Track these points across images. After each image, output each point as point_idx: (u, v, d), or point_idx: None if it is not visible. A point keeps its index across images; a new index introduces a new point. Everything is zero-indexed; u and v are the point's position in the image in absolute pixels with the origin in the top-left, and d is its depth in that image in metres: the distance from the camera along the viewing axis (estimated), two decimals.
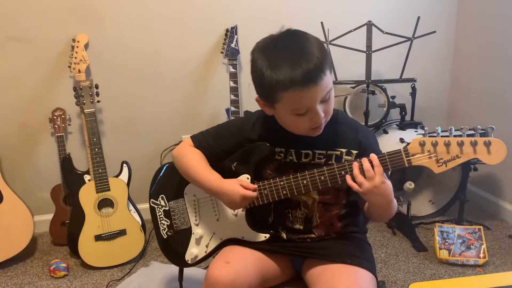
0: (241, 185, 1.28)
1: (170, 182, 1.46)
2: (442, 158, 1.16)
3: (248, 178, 1.32)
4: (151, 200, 1.49)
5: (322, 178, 1.23)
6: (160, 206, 1.47)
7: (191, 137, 1.43)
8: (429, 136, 1.19)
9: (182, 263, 1.46)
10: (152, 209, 1.48)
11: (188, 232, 1.44)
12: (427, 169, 2.94)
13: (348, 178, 1.20)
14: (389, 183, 1.20)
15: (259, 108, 1.32)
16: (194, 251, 1.42)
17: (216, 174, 1.34)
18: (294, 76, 1.11)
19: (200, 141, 1.41)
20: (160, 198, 1.47)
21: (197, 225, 1.43)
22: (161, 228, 1.47)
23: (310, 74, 1.11)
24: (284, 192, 1.28)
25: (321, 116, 1.19)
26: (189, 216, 1.44)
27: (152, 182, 1.50)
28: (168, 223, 1.46)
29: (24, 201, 2.31)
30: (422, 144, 1.16)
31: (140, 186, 2.56)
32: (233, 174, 1.33)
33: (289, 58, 1.13)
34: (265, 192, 1.30)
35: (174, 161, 1.43)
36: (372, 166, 1.17)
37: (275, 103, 1.20)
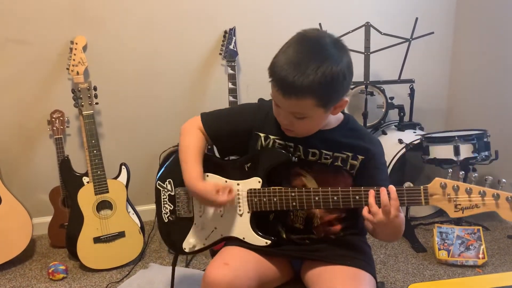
0: (217, 189, 1.28)
1: (180, 168, 1.43)
2: (460, 204, 1.14)
3: (259, 182, 1.32)
4: (158, 182, 1.47)
5: (335, 198, 1.23)
6: (166, 190, 1.46)
7: (202, 115, 1.43)
8: (450, 180, 1.16)
9: (178, 250, 1.45)
10: (157, 191, 1.47)
11: (190, 221, 1.42)
12: (426, 170, 2.93)
13: (364, 210, 1.18)
14: (402, 217, 1.20)
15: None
16: (192, 241, 1.41)
17: (198, 170, 1.33)
18: (280, 75, 1.12)
19: (209, 120, 1.41)
20: (167, 182, 1.45)
21: (200, 216, 1.41)
22: (163, 212, 1.46)
23: (288, 86, 1.12)
24: (294, 203, 1.27)
25: (284, 123, 1.23)
26: (193, 206, 1.42)
27: (161, 164, 1.49)
28: (171, 208, 1.45)
29: (22, 203, 2.30)
30: (443, 186, 1.14)
31: (139, 188, 2.56)
32: (246, 175, 1.33)
33: (296, 60, 1.11)
34: (275, 199, 1.29)
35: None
36: (389, 198, 1.15)
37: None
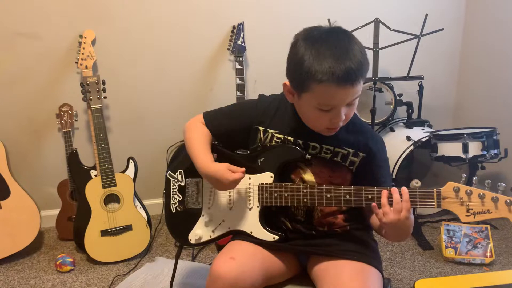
0: (229, 169, 1.28)
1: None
2: (472, 209, 1.14)
3: (271, 177, 1.31)
4: (169, 172, 1.48)
5: (347, 196, 1.22)
6: (176, 180, 1.46)
7: (204, 113, 1.45)
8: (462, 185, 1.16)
9: (184, 241, 1.45)
10: (167, 181, 1.48)
11: (197, 212, 1.42)
12: (433, 167, 2.91)
13: (376, 207, 1.18)
14: (412, 219, 1.19)
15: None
16: (199, 232, 1.40)
17: (209, 156, 1.34)
18: (336, 71, 1.09)
19: (211, 117, 1.43)
20: (178, 173, 1.46)
21: (208, 208, 1.41)
22: (172, 202, 1.46)
23: (350, 75, 1.10)
24: (305, 200, 1.27)
25: (342, 118, 1.19)
26: (203, 197, 1.42)
27: (173, 156, 1.50)
28: (180, 199, 1.45)
29: (31, 196, 2.33)
30: (456, 190, 1.15)
31: (146, 182, 2.58)
32: (258, 169, 1.33)
33: (335, 53, 1.11)
34: (286, 195, 1.29)
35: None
36: (401, 199, 1.15)
37: (303, 92, 1.18)
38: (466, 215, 1.15)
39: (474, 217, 1.14)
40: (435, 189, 1.16)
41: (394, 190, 1.16)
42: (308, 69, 1.12)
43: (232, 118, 1.41)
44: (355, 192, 1.22)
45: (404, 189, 1.16)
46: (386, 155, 1.35)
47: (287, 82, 1.23)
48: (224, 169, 1.27)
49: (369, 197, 1.20)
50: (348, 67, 1.10)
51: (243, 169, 1.29)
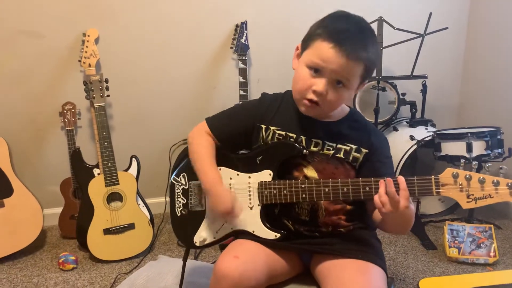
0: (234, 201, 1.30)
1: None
2: (473, 194, 1.11)
3: (270, 174, 1.31)
4: (173, 176, 1.48)
5: (345, 189, 1.22)
6: (180, 184, 1.47)
7: (206, 118, 1.45)
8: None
9: (189, 244, 1.45)
10: (172, 185, 1.48)
11: (201, 214, 1.43)
12: (437, 167, 2.90)
13: (376, 198, 1.17)
14: (412, 208, 1.18)
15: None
16: (203, 234, 1.41)
17: (216, 173, 1.35)
18: (341, 35, 1.16)
19: (214, 121, 1.43)
20: (181, 176, 1.47)
21: (212, 209, 1.42)
22: (177, 206, 1.47)
23: (351, 44, 1.15)
24: (304, 195, 1.27)
25: (323, 90, 1.19)
26: (205, 199, 1.42)
27: (179, 159, 1.50)
28: (184, 202, 1.46)
29: (34, 194, 2.33)
30: (455, 176, 1.11)
31: (149, 181, 2.58)
32: (257, 168, 1.33)
33: (348, 27, 1.19)
34: (285, 192, 1.28)
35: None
36: (398, 188, 1.14)
37: (306, 49, 1.23)
38: (467, 201, 1.11)
39: (476, 203, 1.11)
40: (433, 176, 1.14)
41: (389, 180, 1.15)
42: (317, 28, 1.21)
43: (235, 118, 1.41)
44: (352, 185, 1.21)
45: (401, 178, 1.15)
46: (389, 153, 1.35)
47: (299, 45, 1.29)
48: (228, 199, 1.30)
49: (367, 188, 1.19)
50: (353, 39, 1.16)
51: (239, 213, 1.32)
